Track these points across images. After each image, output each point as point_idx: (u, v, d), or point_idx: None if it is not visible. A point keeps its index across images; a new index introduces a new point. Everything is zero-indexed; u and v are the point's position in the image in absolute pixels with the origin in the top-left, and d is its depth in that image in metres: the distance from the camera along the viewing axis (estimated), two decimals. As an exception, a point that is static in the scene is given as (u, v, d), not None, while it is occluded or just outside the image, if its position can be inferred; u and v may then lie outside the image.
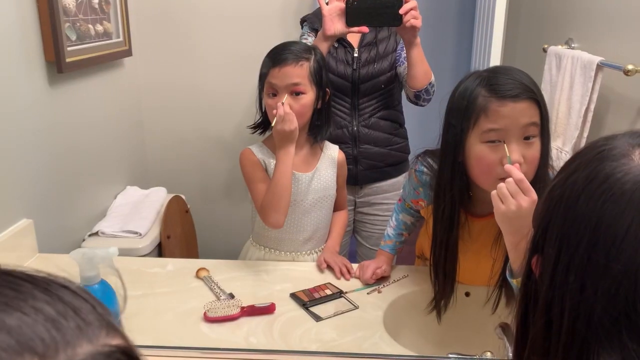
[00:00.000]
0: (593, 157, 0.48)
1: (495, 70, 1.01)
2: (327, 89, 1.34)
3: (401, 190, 1.31)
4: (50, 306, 0.28)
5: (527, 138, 0.97)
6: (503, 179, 0.97)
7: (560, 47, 1.76)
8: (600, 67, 1.47)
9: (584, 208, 0.45)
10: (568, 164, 0.51)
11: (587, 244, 0.44)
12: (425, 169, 1.17)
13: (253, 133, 1.41)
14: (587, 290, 0.44)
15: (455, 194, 1.04)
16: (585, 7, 1.72)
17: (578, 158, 0.50)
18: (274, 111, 1.22)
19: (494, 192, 0.90)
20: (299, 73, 1.26)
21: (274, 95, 1.27)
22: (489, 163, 0.98)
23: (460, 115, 0.99)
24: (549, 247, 0.48)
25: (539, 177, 1.00)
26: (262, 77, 1.30)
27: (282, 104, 1.22)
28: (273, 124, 1.22)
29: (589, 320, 0.43)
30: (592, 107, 1.50)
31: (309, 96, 1.28)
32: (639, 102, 1.38)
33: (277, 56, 1.28)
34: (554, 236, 0.47)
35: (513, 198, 0.88)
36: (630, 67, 1.28)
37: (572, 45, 1.75)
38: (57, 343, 0.26)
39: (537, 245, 0.50)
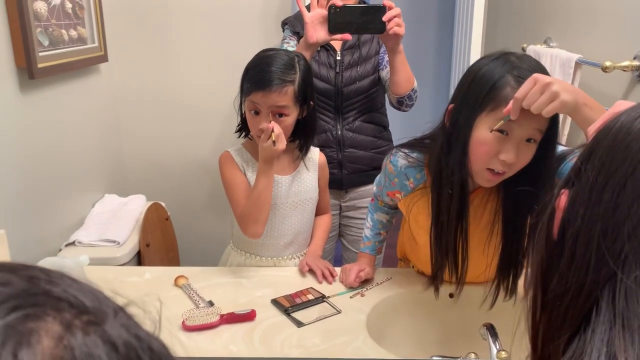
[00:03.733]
0: None
1: (522, 59, 0.98)
2: (311, 102, 1.30)
3: (374, 188, 1.29)
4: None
5: (528, 140, 0.96)
6: (490, 170, 0.97)
7: (539, 46, 1.77)
8: (578, 64, 1.47)
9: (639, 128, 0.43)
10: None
11: (633, 160, 0.42)
12: (400, 158, 1.14)
13: (239, 137, 1.38)
14: (620, 211, 0.41)
15: (464, 174, 1.00)
16: (562, 6, 1.73)
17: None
18: (261, 127, 1.20)
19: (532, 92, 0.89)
20: (283, 98, 1.21)
21: (257, 113, 1.24)
22: (489, 151, 0.96)
23: (480, 96, 0.96)
24: (589, 172, 0.45)
25: (539, 178, 0.99)
26: (244, 91, 1.26)
27: (272, 122, 1.19)
28: (262, 142, 1.19)
29: (617, 240, 0.41)
30: (572, 104, 1.50)
31: (292, 117, 1.25)
32: (617, 98, 1.38)
33: (260, 80, 1.21)
34: (596, 160, 0.45)
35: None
36: (608, 63, 1.28)
37: (551, 44, 1.76)
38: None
39: (569, 179, 0.48)
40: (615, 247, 0.41)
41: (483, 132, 0.96)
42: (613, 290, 0.40)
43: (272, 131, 1.17)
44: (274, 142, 1.17)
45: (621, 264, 0.40)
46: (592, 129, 0.55)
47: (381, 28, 1.39)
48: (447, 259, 1.08)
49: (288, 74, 1.22)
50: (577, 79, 1.48)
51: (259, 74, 1.23)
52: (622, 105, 0.63)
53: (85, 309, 0.28)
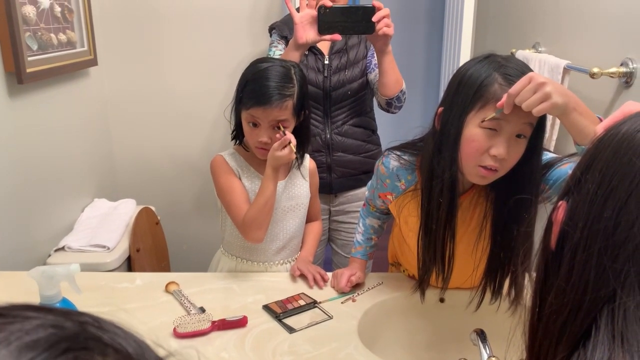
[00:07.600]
0: None
1: (508, 59, 1.00)
2: (306, 110, 1.31)
3: (366, 193, 1.29)
4: None
5: (518, 136, 0.98)
6: (483, 167, 0.98)
7: (527, 51, 1.78)
8: (567, 70, 1.49)
9: None
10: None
11: (635, 177, 0.41)
12: (392, 160, 1.14)
13: (235, 144, 1.38)
14: (620, 230, 0.40)
15: (454, 172, 1.01)
16: (551, 12, 1.75)
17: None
18: (262, 140, 1.23)
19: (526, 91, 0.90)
20: (284, 113, 1.22)
21: (254, 125, 1.24)
22: (479, 148, 0.97)
23: (469, 95, 0.97)
24: (589, 183, 0.44)
25: (526, 178, 1.00)
26: (242, 104, 1.25)
27: (284, 133, 1.21)
28: (273, 151, 1.20)
29: (618, 260, 0.40)
30: (560, 110, 1.52)
31: (291, 127, 1.26)
32: (605, 104, 1.40)
33: (260, 95, 1.21)
34: (597, 171, 0.44)
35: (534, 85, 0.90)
36: (595, 70, 1.30)
37: (539, 49, 1.78)
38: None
39: (567, 191, 0.47)
40: (615, 267, 0.41)
41: (473, 130, 0.98)
42: (612, 311, 0.40)
43: (290, 142, 1.19)
44: (296, 153, 1.21)
45: (621, 285, 0.40)
46: (600, 127, 0.55)
47: (371, 28, 1.39)
48: (434, 261, 1.08)
49: (287, 88, 1.22)
50: (565, 85, 1.50)
51: (258, 90, 1.22)
52: (631, 106, 0.63)
53: (128, 356, 0.29)
